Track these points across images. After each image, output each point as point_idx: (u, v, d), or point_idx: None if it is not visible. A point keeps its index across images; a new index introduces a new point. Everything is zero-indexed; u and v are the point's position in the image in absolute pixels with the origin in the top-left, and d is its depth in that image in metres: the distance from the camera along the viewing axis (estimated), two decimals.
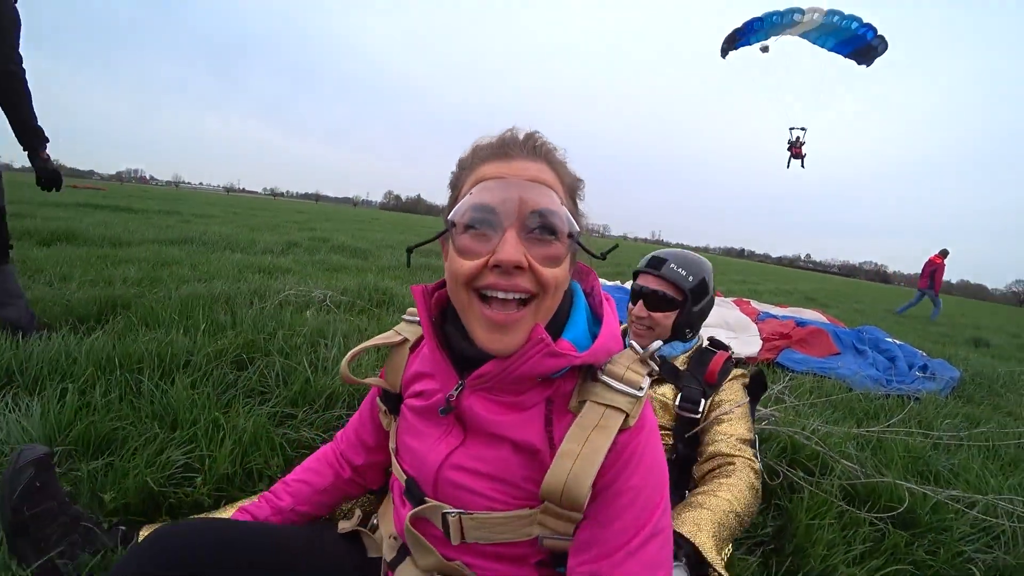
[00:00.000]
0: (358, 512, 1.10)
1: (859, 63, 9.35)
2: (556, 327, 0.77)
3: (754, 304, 6.83)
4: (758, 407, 2.40)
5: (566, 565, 0.76)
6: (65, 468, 1.44)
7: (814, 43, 9.41)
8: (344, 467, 1.09)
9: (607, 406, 0.73)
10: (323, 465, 1.11)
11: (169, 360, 2.11)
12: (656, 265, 1.67)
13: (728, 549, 1.31)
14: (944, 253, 12.89)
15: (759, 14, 9.29)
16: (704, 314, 1.69)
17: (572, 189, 0.78)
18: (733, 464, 1.39)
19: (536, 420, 0.76)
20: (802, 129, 13.37)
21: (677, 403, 1.52)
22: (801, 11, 8.67)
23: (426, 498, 0.82)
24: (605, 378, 0.75)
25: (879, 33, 8.62)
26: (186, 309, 2.89)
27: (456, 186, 0.79)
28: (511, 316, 0.70)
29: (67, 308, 2.71)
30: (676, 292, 1.62)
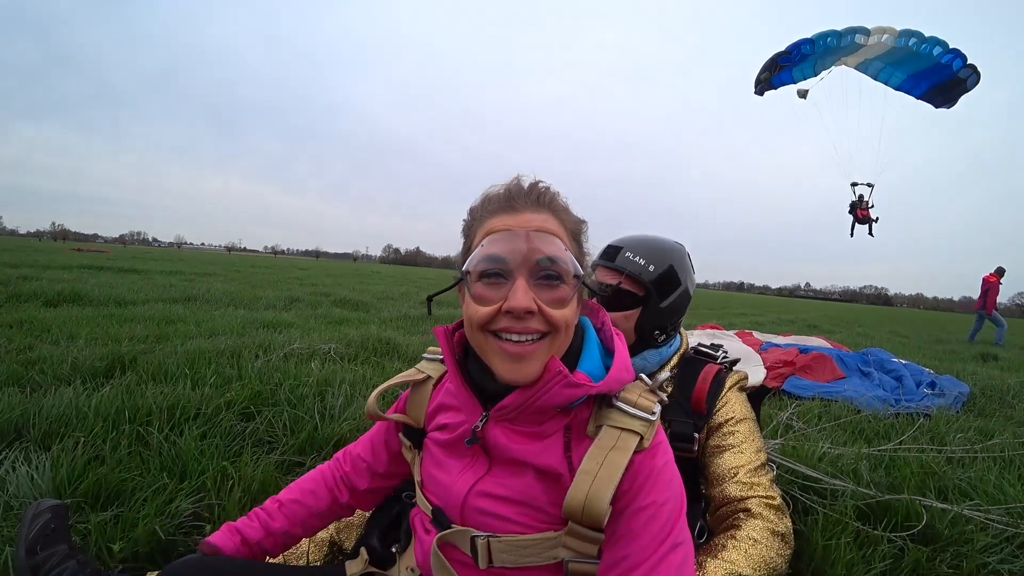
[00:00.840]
0: (364, 553, 1.07)
1: (937, 105, 6.55)
2: (571, 360, 0.81)
3: (756, 335, 6.82)
4: (766, 436, 2.35)
5: None
6: (74, 520, 1.43)
7: (876, 77, 6.70)
8: (343, 491, 1.09)
9: (623, 429, 0.77)
10: (320, 487, 1.10)
11: (178, 413, 2.12)
12: (610, 255, 1.42)
13: None
14: (1000, 272, 11.76)
15: (808, 35, 6.56)
16: (677, 311, 1.43)
17: (575, 232, 0.83)
18: (748, 509, 1.22)
19: (556, 447, 0.79)
20: (868, 186, 9.86)
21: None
22: (866, 31, 6.10)
23: (453, 524, 0.84)
24: (620, 404, 0.79)
25: (968, 62, 5.94)
26: (193, 363, 2.91)
27: (469, 235, 0.84)
28: (526, 348, 0.75)
29: (74, 365, 2.73)
30: (635, 286, 1.38)
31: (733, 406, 1.38)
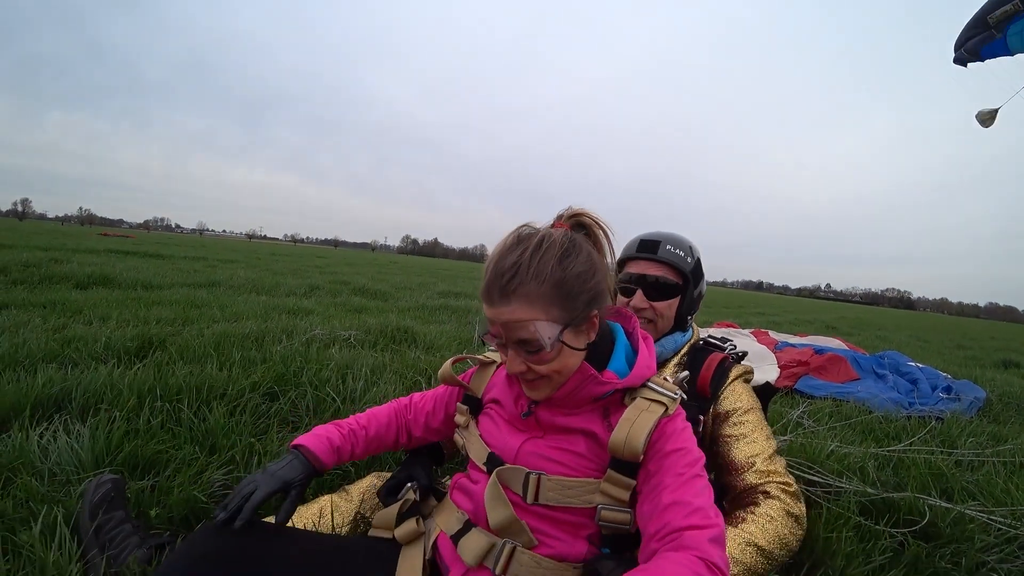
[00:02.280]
0: (411, 492, 1.16)
1: None
2: (601, 361, 1.00)
3: (772, 334, 6.80)
4: (776, 433, 2.39)
5: (612, 549, 0.95)
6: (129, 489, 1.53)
7: None
8: (404, 434, 1.28)
9: (652, 401, 0.95)
10: (392, 428, 1.27)
11: (207, 391, 2.22)
12: (651, 248, 1.51)
13: None
14: None
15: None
16: (701, 297, 1.58)
17: (555, 293, 0.89)
18: (767, 492, 1.29)
19: (595, 415, 0.98)
20: None
21: None
22: None
23: (508, 464, 1.00)
24: (651, 385, 0.98)
25: None
26: (219, 346, 3.03)
27: None
28: (535, 384, 0.96)
29: (107, 344, 2.85)
30: (676, 276, 1.50)
31: (740, 396, 1.43)
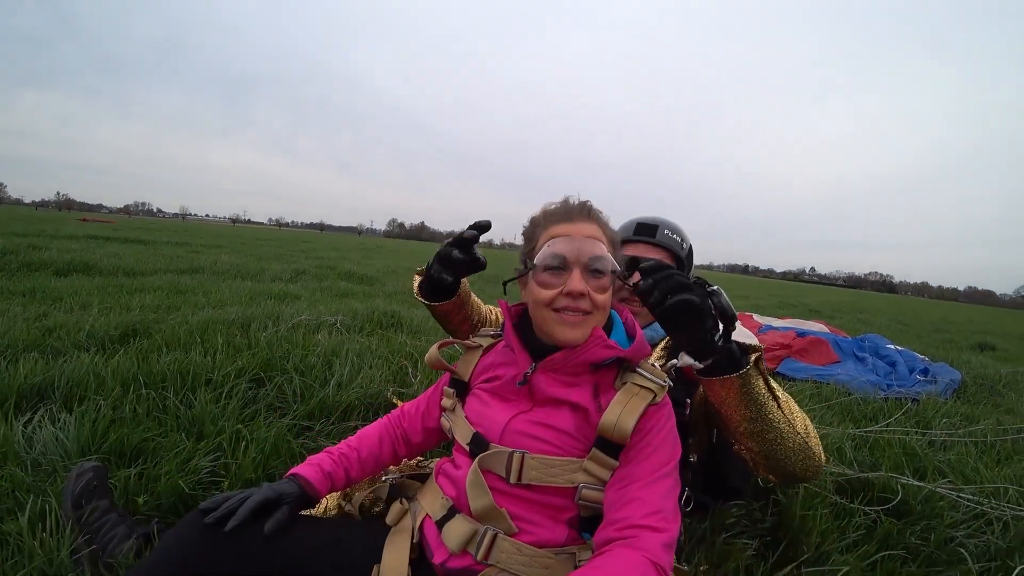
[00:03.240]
0: (398, 505, 1.16)
1: None
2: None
3: (756, 318, 6.91)
4: None
5: (590, 532, 0.97)
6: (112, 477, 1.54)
7: None
8: (402, 446, 1.28)
9: (642, 387, 0.99)
10: (387, 445, 1.26)
11: (192, 378, 2.22)
12: (650, 232, 1.53)
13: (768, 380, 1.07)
14: None
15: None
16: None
17: (613, 240, 1.07)
18: None
19: (587, 391, 1.02)
20: None
21: None
22: None
23: (492, 446, 1.02)
24: (640, 369, 1.02)
25: None
26: (204, 332, 3.01)
27: (532, 238, 1.10)
28: (579, 318, 1.00)
29: (90, 333, 2.83)
30: (672, 260, 1.51)
31: None
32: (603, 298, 1.01)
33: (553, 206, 1.09)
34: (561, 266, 1.00)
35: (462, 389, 1.19)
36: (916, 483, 1.88)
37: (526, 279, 1.09)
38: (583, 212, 1.06)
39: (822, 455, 1.15)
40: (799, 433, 1.10)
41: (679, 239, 1.54)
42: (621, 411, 0.95)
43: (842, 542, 1.57)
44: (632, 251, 1.53)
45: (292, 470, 1.13)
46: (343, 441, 1.25)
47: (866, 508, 1.76)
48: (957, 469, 2.16)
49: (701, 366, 1.04)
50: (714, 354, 1.02)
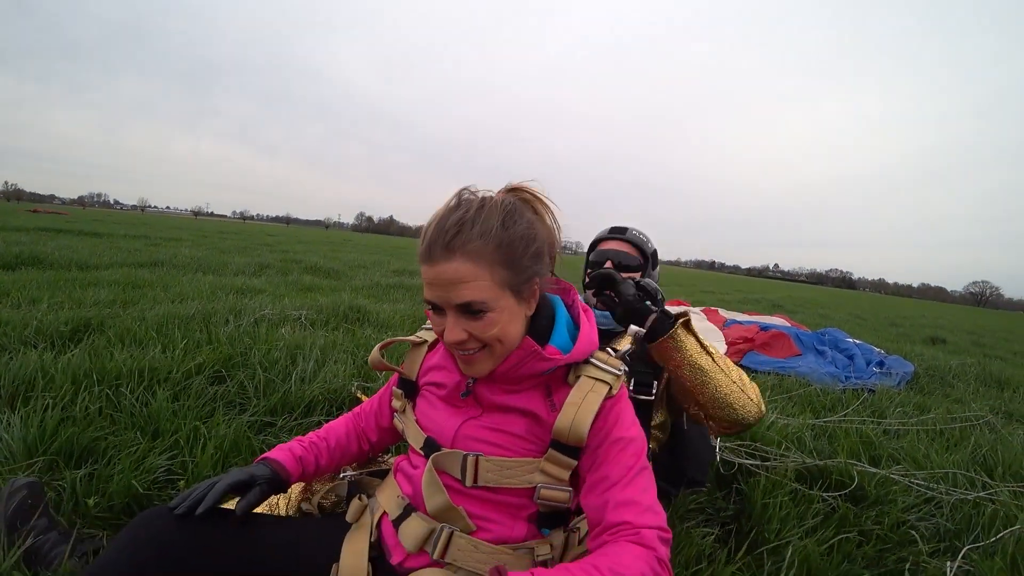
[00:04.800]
0: (357, 502, 1.13)
1: None
2: (542, 335, 0.97)
3: (722, 312, 7.07)
4: None
5: (549, 527, 0.98)
6: (48, 478, 1.47)
7: None
8: (364, 442, 1.25)
9: (596, 379, 0.95)
10: (352, 438, 1.23)
11: (148, 375, 2.13)
12: (621, 231, 1.76)
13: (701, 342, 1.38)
14: None
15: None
16: (656, 281, 1.74)
17: (500, 254, 0.87)
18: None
19: (537, 395, 0.97)
20: None
21: (631, 388, 1.50)
22: None
23: (444, 449, 0.98)
24: (595, 361, 0.98)
25: None
26: (162, 328, 2.91)
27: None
28: (473, 357, 0.93)
29: (38, 329, 2.69)
30: (640, 254, 1.72)
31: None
32: (489, 335, 0.89)
33: (430, 226, 0.90)
34: (438, 309, 0.91)
35: (410, 389, 1.14)
36: (872, 469, 1.95)
37: None
38: (444, 246, 0.86)
39: (760, 400, 1.41)
40: (734, 381, 1.37)
41: (645, 239, 1.75)
42: (576, 412, 0.91)
43: (801, 527, 1.62)
44: (606, 246, 1.75)
45: (262, 455, 1.09)
46: (311, 432, 1.22)
47: (824, 494, 1.81)
48: (910, 456, 2.25)
49: (643, 331, 1.34)
50: (647, 319, 1.35)
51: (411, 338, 1.18)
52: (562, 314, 1.02)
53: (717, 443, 1.99)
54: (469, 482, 0.95)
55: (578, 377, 0.96)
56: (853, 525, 1.67)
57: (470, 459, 0.95)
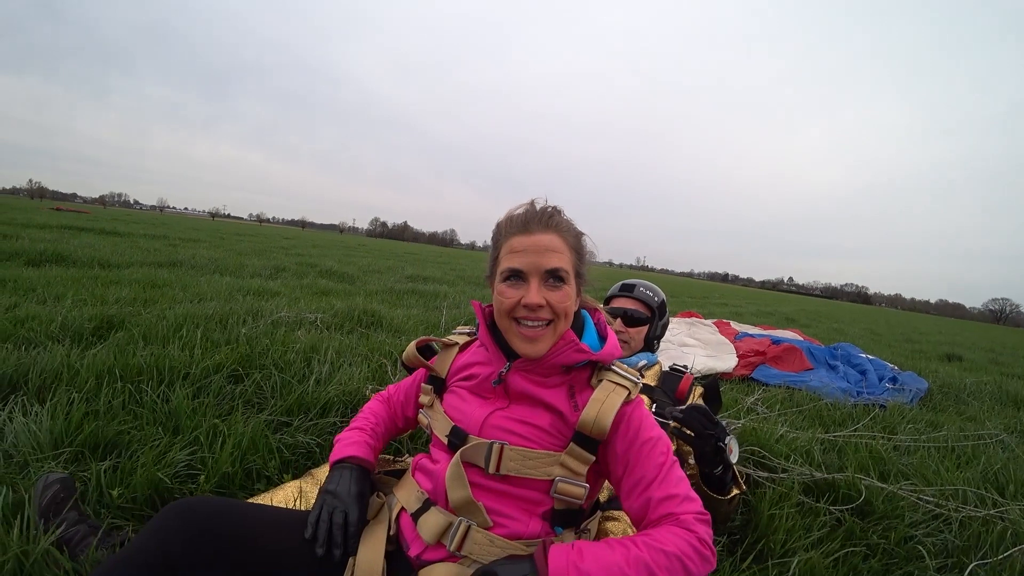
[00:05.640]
0: (375, 499, 1.18)
1: None
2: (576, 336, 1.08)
3: (734, 325, 7.04)
4: (729, 418, 2.60)
5: (562, 526, 1.04)
6: (74, 469, 1.52)
7: None
8: (400, 419, 1.36)
9: (617, 384, 1.04)
10: (390, 420, 1.35)
11: (168, 372, 2.20)
12: (629, 289, 2.06)
13: None
14: None
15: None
16: (665, 328, 2.08)
17: (575, 245, 1.08)
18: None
19: (562, 392, 1.06)
20: None
21: (653, 410, 1.68)
22: None
23: (471, 437, 1.05)
24: (615, 367, 1.08)
25: None
26: (181, 326, 2.98)
27: (496, 245, 1.12)
28: (538, 332, 1.03)
29: (64, 325, 2.78)
30: (646, 309, 1.99)
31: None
32: (564, 306, 1.03)
33: (517, 211, 1.09)
34: (519, 277, 1.03)
35: (439, 386, 1.22)
36: (879, 484, 1.95)
37: (493, 283, 1.12)
38: (541, 222, 1.05)
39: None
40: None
41: (651, 294, 2.04)
42: (600, 408, 0.99)
43: (807, 539, 1.63)
44: (617, 303, 2.03)
45: (344, 453, 1.17)
46: (360, 417, 1.32)
47: (831, 508, 1.82)
48: (919, 472, 2.24)
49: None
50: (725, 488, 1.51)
51: (444, 340, 1.28)
52: (590, 324, 1.15)
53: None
54: (492, 469, 1.01)
55: (600, 380, 1.05)
56: (859, 539, 1.68)
57: (495, 447, 1.01)
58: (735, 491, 1.56)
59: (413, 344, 1.23)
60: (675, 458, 1.01)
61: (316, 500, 1.07)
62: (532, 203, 1.09)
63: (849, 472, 2.02)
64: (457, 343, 1.26)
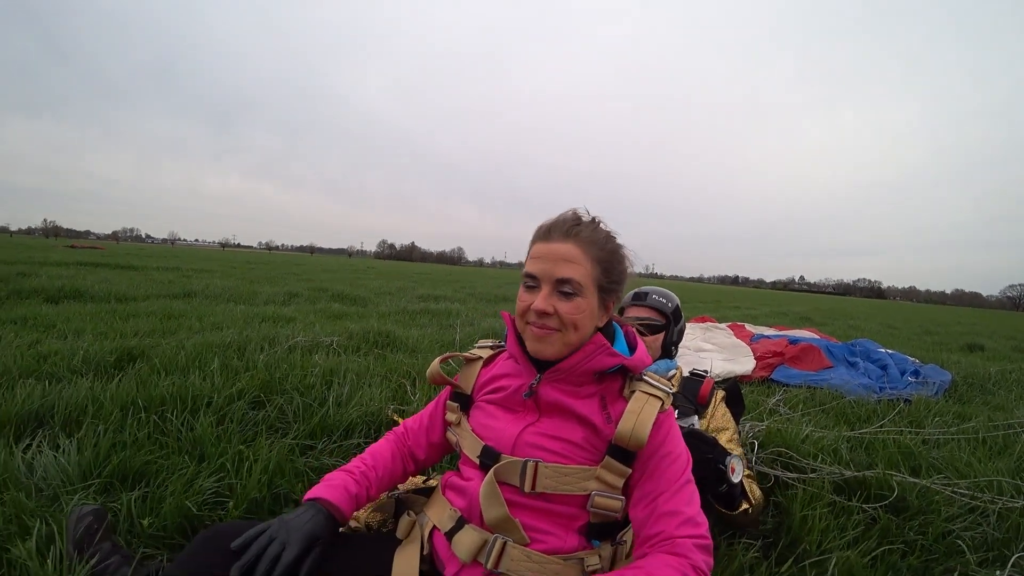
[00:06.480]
0: (407, 518, 1.17)
1: None
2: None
3: (748, 327, 6.97)
4: (752, 420, 2.57)
5: (599, 539, 1.03)
6: (104, 499, 1.54)
7: None
8: (410, 463, 1.29)
9: (650, 395, 1.03)
10: (397, 461, 1.26)
11: (191, 401, 2.22)
12: (641, 297, 2.04)
13: None
14: None
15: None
16: (681, 333, 2.06)
17: (599, 257, 1.05)
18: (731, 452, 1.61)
19: (594, 404, 1.05)
20: None
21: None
22: None
23: (503, 457, 1.04)
24: (647, 378, 1.07)
25: None
26: (201, 356, 3.01)
27: (529, 249, 1.11)
28: (547, 335, 1.02)
29: (85, 358, 2.82)
30: (660, 316, 1.99)
31: (721, 409, 1.87)
32: (572, 317, 1.01)
33: (546, 221, 1.09)
34: (535, 282, 1.03)
35: (465, 402, 1.21)
36: (911, 479, 1.91)
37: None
38: (562, 231, 1.04)
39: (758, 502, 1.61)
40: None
41: (664, 300, 2.02)
42: (636, 420, 0.98)
43: (842, 539, 1.60)
44: (631, 312, 2.02)
45: (316, 492, 1.07)
46: (357, 459, 1.22)
47: (864, 506, 1.79)
48: (951, 465, 2.20)
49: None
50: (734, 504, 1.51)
51: (467, 354, 1.26)
52: (620, 335, 1.16)
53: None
54: (528, 488, 1.00)
55: (632, 392, 1.05)
56: (896, 536, 1.65)
57: (529, 465, 1.00)
58: (744, 505, 1.54)
59: (437, 361, 1.21)
60: (692, 479, 1.01)
61: (270, 521, 0.99)
62: (568, 212, 1.09)
63: (879, 469, 1.99)
64: (481, 357, 1.25)
